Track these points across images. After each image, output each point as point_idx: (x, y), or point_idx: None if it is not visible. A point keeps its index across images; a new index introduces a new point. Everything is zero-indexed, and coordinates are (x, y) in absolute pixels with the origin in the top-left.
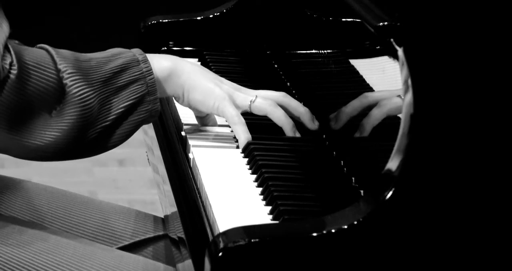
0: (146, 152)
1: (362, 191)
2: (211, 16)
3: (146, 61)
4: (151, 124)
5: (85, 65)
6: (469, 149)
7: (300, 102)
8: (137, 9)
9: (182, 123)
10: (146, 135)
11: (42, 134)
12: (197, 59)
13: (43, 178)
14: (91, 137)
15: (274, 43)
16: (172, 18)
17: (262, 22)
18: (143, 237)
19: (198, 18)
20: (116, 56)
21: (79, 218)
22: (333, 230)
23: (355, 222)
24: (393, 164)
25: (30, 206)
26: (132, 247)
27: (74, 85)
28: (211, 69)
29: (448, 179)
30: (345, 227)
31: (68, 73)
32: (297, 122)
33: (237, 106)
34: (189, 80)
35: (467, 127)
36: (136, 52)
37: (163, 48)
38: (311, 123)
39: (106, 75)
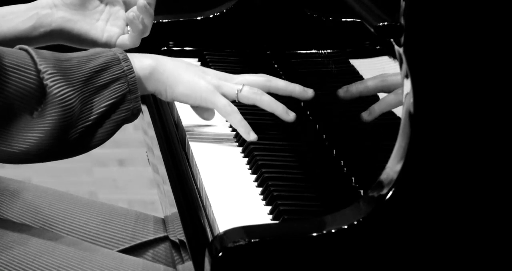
0: (146, 152)
1: (362, 191)
2: (211, 16)
3: (127, 59)
4: (151, 124)
5: (66, 64)
6: (469, 149)
7: (300, 102)
8: None
9: (182, 123)
10: (146, 135)
11: (24, 136)
12: (197, 59)
13: (43, 178)
14: (74, 137)
15: (274, 43)
16: (172, 18)
17: (262, 22)
18: (143, 240)
19: (198, 18)
20: (97, 55)
21: (80, 221)
22: (333, 230)
23: (355, 222)
24: (393, 164)
25: (31, 209)
26: (133, 250)
27: (55, 86)
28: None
29: (448, 179)
30: (345, 227)
31: (49, 74)
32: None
33: (224, 96)
34: (172, 76)
35: (467, 127)
36: (117, 51)
37: (163, 48)
38: (306, 93)
39: (87, 75)
